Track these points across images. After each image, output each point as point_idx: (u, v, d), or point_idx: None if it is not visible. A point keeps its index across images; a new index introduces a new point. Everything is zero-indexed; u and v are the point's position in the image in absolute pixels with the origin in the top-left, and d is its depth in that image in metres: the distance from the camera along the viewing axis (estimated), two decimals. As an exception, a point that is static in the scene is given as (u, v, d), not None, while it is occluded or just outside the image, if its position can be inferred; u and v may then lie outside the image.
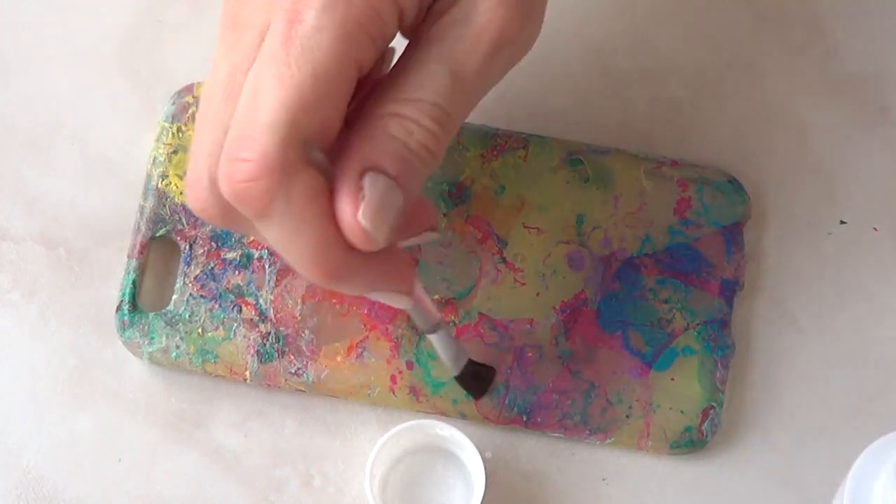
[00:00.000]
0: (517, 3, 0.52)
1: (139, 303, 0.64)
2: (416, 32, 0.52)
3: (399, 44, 0.53)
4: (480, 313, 0.64)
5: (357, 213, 0.49)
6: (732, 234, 0.65)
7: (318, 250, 0.50)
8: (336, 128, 0.50)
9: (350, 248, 0.50)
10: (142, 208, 0.65)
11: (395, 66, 0.52)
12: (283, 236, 0.50)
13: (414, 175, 0.51)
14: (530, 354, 0.63)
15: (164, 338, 0.63)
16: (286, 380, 0.63)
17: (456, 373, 0.61)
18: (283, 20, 0.49)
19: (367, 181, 0.49)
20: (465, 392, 0.63)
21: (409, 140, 0.50)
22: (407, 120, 0.50)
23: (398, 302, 0.54)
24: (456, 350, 0.61)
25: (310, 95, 0.48)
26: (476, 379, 0.62)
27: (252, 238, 0.64)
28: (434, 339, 0.60)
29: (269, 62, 0.49)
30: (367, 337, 0.63)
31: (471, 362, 0.61)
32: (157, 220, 0.65)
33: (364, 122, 0.51)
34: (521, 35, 0.53)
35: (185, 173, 0.55)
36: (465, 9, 0.51)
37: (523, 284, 0.64)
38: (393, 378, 0.63)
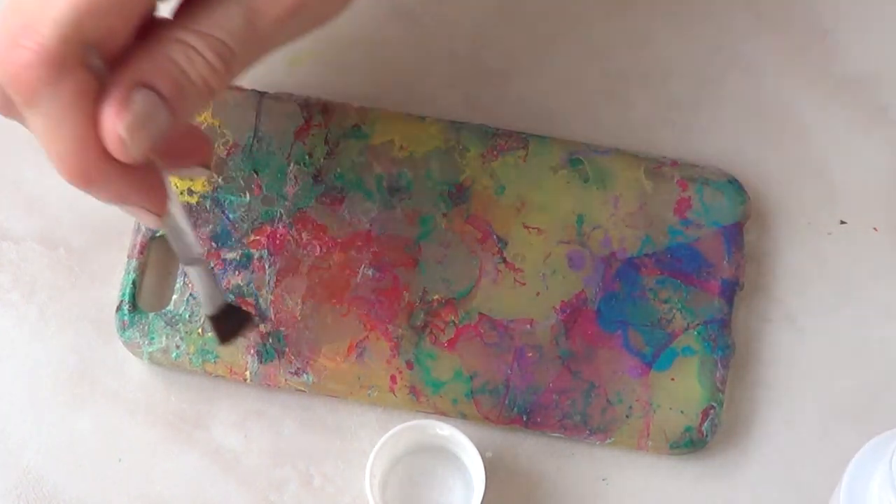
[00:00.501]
0: None
1: (139, 303, 0.64)
2: None
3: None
4: (480, 313, 0.64)
5: (119, 120, 0.50)
6: (732, 234, 0.65)
7: (75, 148, 0.51)
8: (121, 40, 0.51)
9: (106, 154, 0.51)
10: (142, 208, 0.65)
11: None
12: (46, 128, 0.51)
13: (186, 103, 0.52)
14: (530, 354, 0.64)
15: (164, 338, 0.63)
16: (286, 380, 0.63)
17: (208, 312, 0.59)
18: None
19: (137, 94, 0.51)
20: (214, 334, 0.60)
21: (188, 67, 0.52)
22: (191, 49, 0.52)
23: (149, 221, 0.55)
24: (212, 290, 0.59)
25: (100, 0, 0.50)
26: (227, 323, 0.60)
27: (252, 239, 0.64)
28: (191, 273, 0.59)
29: None
30: (367, 337, 0.64)
31: (228, 306, 0.60)
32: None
33: (150, 42, 0.52)
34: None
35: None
36: None
37: (523, 284, 0.64)
38: (393, 378, 0.63)
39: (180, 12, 0.53)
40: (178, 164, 0.58)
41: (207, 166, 0.59)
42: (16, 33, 0.50)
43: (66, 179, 0.52)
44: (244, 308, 0.62)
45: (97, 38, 0.50)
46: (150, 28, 0.53)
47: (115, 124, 0.51)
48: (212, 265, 0.64)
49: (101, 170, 0.52)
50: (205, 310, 0.60)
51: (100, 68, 0.51)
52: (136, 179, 0.53)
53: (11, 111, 0.53)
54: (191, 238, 0.58)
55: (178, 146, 0.57)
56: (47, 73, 0.50)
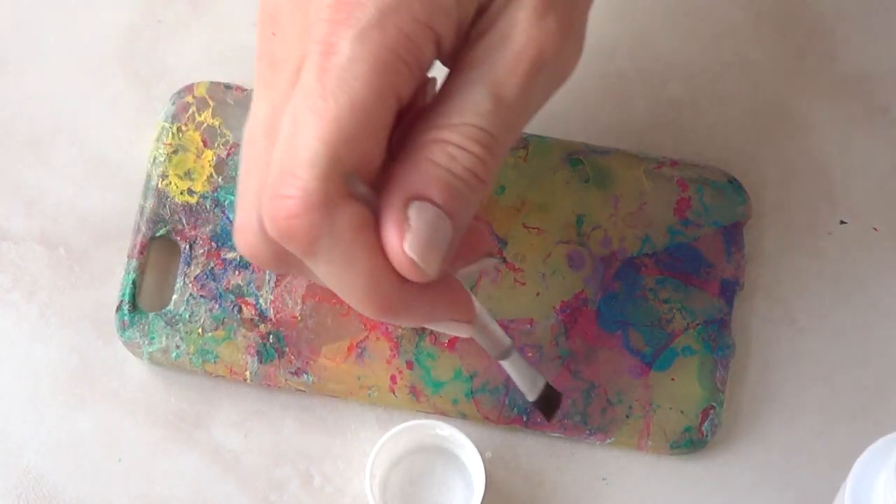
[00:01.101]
0: (556, 21, 0.50)
1: (139, 303, 0.64)
2: (456, 58, 0.50)
3: (441, 73, 0.51)
4: (480, 313, 0.64)
5: (403, 243, 0.48)
6: (732, 234, 0.65)
7: (369, 284, 0.49)
8: (378, 159, 0.49)
9: (402, 280, 0.49)
10: (142, 208, 0.65)
11: (437, 94, 0.51)
12: (333, 272, 0.49)
13: (462, 202, 0.49)
14: (530, 354, 0.64)
15: (164, 338, 0.63)
16: (286, 380, 0.63)
17: (532, 398, 0.58)
18: (318, 53, 0.48)
19: (413, 211, 0.48)
20: (541, 414, 0.60)
21: (453, 166, 0.49)
22: (450, 145, 0.49)
23: (459, 330, 0.53)
24: (531, 374, 0.58)
25: (348, 127, 0.47)
26: (549, 403, 0.59)
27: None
28: (506, 366, 0.57)
29: (306, 96, 0.48)
30: (367, 337, 0.63)
31: (547, 385, 0.58)
32: (157, 220, 0.65)
33: (407, 151, 0.49)
34: (562, 53, 0.51)
35: (233, 220, 0.54)
36: (503, 30, 0.50)
37: (523, 284, 0.64)
38: (393, 378, 0.63)
39: (427, 113, 0.50)
40: (466, 262, 0.54)
41: (493, 254, 0.56)
42: (275, 186, 0.48)
43: (368, 315, 0.50)
44: (552, 386, 0.59)
45: (354, 165, 0.48)
46: (404, 136, 0.50)
47: (401, 248, 0.48)
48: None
49: (402, 298, 0.49)
50: (529, 396, 0.58)
51: (367, 194, 0.48)
52: (438, 295, 0.51)
53: (288, 265, 0.51)
54: (498, 332, 0.56)
55: (462, 247, 0.53)
56: (319, 218, 0.47)
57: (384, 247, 0.48)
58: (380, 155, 0.49)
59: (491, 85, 0.49)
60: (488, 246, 0.55)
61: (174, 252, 0.65)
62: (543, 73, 0.50)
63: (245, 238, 0.51)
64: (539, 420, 0.63)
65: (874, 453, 0.53)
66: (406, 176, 0.49)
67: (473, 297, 0.53)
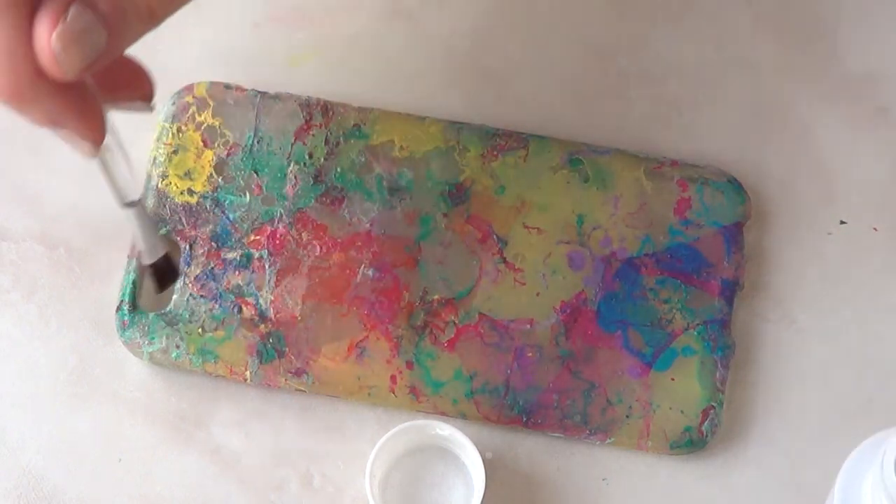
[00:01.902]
0: None
1: (139, 303, 0.64)
2: None
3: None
4: (480, 313, 0.64)
5: (52, 33, 0.49)
6: (732, 234, 0.65)
7: (5, 61, 0.50)
8: None
9: (39, 71, 0.50)
10: (142, 208, 0.65)
11: None
12: None
13: (124, 23, 0.51)
14: (530, 354, 0.64)
15: (164, 338, 0.63)
16: (286, 380, 0.63)
17: (147, 261, 0.59)
18: None
19: (73, 8, 0.49)
20: (153, 281, 0.60)
21: None
22: None
23: (84, 149, 0.54)
24: (151, 236, 0.59)
25: None
26: (163, 274, 0.60)
27: (252, 239, 0.64)
28: (128, 217, 0.58)
29: None
30: (367, 337, 0.64)
31: (167, 256, 0.60)
32: (157, 220, 0.65)
33: None
34: None
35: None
36: None
37: (523, 284, 0.64)
38: (393, 378, 0.63)
39: None
40: (119, 97, 0.56)
41: (148, 101, 0.57)
42: None
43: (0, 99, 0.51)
44: (172, 260, 0.61)
45: None
46: None
47: (47, 37, 0.49)
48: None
49: (35, 88, 0.50)
50: (144, 258, 0.59)
51: None
52: (70, 101, 0.52)
53: None
54: (128, 179, 0.56)
55: (118, 77, 0.56)
56: None
57: (33, 30, 0.49)
58: None
59: None
60: (146, 91, 0.56)
61: (174, 252, 0.65)
62: None
63: None
64: (539, 420, 0.63)
65: (862, 453, 0.53)
66: None
67: (113, 135, 0.54)
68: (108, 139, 0.54)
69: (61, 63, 0.50)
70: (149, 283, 0.62)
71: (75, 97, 0.52)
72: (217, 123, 0.66)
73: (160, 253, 0.59)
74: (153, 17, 0.52)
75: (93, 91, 0.53)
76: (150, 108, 0.58)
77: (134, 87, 0.56)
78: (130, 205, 0.57)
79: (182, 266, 0.64)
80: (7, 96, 0.51)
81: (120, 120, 0.67)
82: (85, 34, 0.50)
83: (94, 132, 0.53)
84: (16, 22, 0.49)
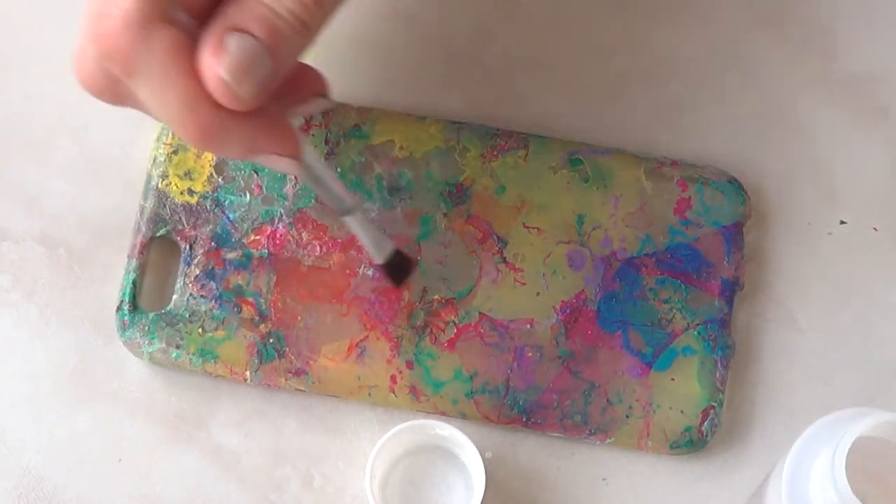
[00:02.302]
0: None
1: (139, 303, 0.64)
2: None
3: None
4: (481, 313, 0.64)
5: (218, 66, 0.50)
6: (732, 234, 0.65)
7: (187, 106, 0.51)
8: None
9: (219, 106, 0.51)
10: (142, 208, 0.65)
11: None
12: (153, 94, 0.51)
13: (283, 41, 0.52)
14: (530, 354, 0.64)
15: (164, 338, 0.63)
16: (286, 380, 0.63)
17: (379, 260, 0.60)
18: None
19: (231, 39, 0.51)
20: (388, 279, 0.62)
21: (277, 6, 0.52)
22: None
23: (285, 166, 0.55)
24: (377, 237, 0.60)
25: None
26: (398, 269, 0.62)
27: (252, 239, 0.64)
28: (350, 223, 0.59)
29: None
30: (367, 337, 0.64)
31: (397, 252, 0.61)
32: (157, 220, 0.65)
33: None
34: None
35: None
36: None
37: (523, 284, 0.64)
38: (393, 378, 0.63)
39: None
40: (297, 101, 0.57)
41: (325, 95, 0.58)
42: (100, 5, 0.50)
43: (189, 143, 0.52)
44: (406, 252, 0.62)
45: None
46: None
47: (215, 71, 0.50)
48: (370, 213, 0.64)
49: (221, 124, 0.52)
50: (375, 259, 0.60)
51: (188, 23, 0.51)
52: (258, 126, 0.53)
53: (120, 95, 0.53)
54: (338, 186, 0.57)
55: (289, 85, 0.56)
56: (135, 35, 0.50)
57: (199, 68, 0.51)
58: None
59: None
60: (321, 87, 0.57)
61: (174, 252, 0.65)
62: None
63: (81, 64, 0.53)
64: (539, 420, 0.63)
65: (815, 433, 0.53)
66: (230, 10, 0.51)
67: (310, 148, 0.55)
68: (309, 154, 0.55)
69: (237, 94, 0.51)
70: (389, 280, 0.62)
71: (262, 121, 0.53)
72: (217, 123, 0.66)
73: (389, 250, 0.60)
74: (308, 30, 0.53)
75: (278, 110, 0.54)
76: (331, 103, 0.58)
77: (308, 86, 0.57)
78: (349, 211, 0.58)
79: (182, 266, 0.64)
80: (197, 138, 0.52)
81: (119, 120, 0.67)
82: (251, 61, 0.51)
83: (291, 146, 0.54)
84: (182, 66, 0.51)
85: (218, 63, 0.50)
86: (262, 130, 0.53)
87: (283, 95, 0.54)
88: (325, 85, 0.57)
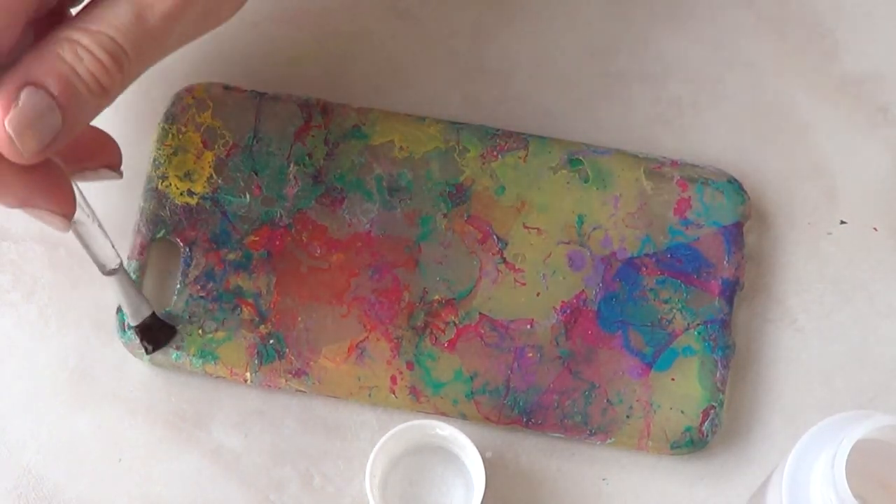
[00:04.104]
0: None
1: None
2: None
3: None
4: (481, 313, 0.64)
5: (5, 118, 0.50)
6: (732, 234, 0.65)
7: None
8: (7, 41, 0.51)
9: (1, 157, 0.51)
10: (142, 209, 0.65)
11: (88, 2, 0.53)
12: None
13: (78, 101, 0.52)
14: (530, 355, 0.64)
15: (164, 339, 0.64)
16: (286, 381, 0.63)
17: (134, 323, 0.62)
18: None
19: (24, 93, 0.51)
20: (141, 342, 0.63)
21: (77, 64, 0.52)
22: (79, 46, 0.52)
23: (57, 224, 0.55)
24: (136, 300, 0.62)
25: None
26: (152, 333, 0.63)
27: (252, 239, 0.64)
28: (112, 285, 0.61)
29: None
30: (367, 338, 0.64)
31: (153, 316, 0.62)
32: (157, 221, 0.65)
33: (41, 43, 0.52)
34: None
35: None
36: None
37: (523, 284, 0.64)
38: (393, 378, 0.63)
39: (73, 19, 0.53)
40: (86, 167, 0.58)
41: (115, 169, 0.59)
42: None
43: None
44: (161, 318, 0.63)
45: None
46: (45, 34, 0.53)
47: (1, 123, 0.51)
48: (131, 275, 0.64)
49: None
50: (130, 320, 0.62)
51: None
52: (36, 181, 0.53)
53: None
54: (106, 247, 0.59)
55: (81, 149, 0.57)
56: None
57: None
58: (10, 39, 0.51)
59: (137, 5, 0.52)
60: (112, 159, 0.58)
61: (174, 253, 0.65)
62: (196, 7, 0.54)
63: None
64: (539, 420, 0.63)
65: (815, 436, 0.53)
66: (30, 63, 0.51)
67: (86, 208, 0.57)
68: (79, 213, 0.56)
69: (18, 148, 0.51)
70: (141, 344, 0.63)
71: (41, 176, 0.53)
72: (217, 124, 0.66)
73: (146, 313, 0.62)
74: (107, 94, 0.53)
75: (59, 167, 0.54)
76: (119, 176, 0.60)
77: (100, 156, 0.58)
78: (112, 272, 0.60)
79: (181, 267, 0.64)
80: None
81: (119, 120, 0.67)
82: (39, 117, 0.51)
83: (65, 206, 0.55)
84: None
85: (5, 115, 0.50)
86: (38, 185, 0.53)
87: (74, 156, 0.56)
88: (119, 157, 0.59)
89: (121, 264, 0.60)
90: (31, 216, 0.55)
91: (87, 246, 0.59)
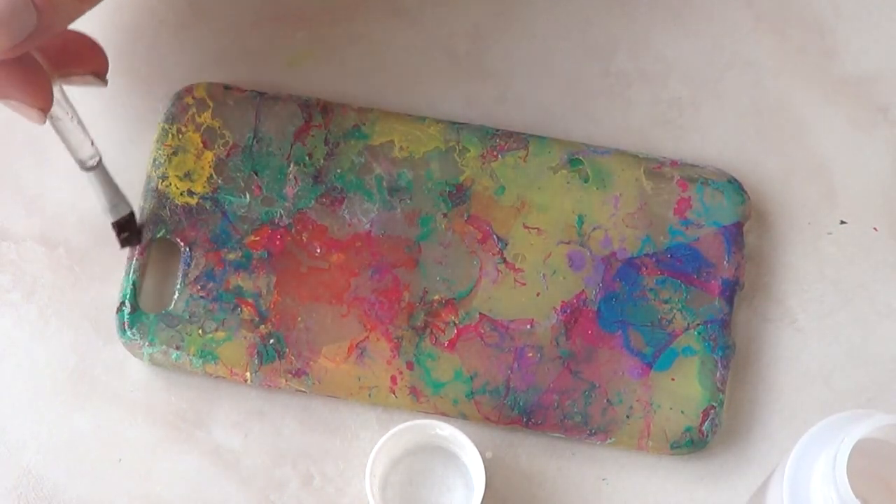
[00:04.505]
0: None
1: (139, 304, 0.64)
2: None
3: None
4: (481, 313, 0.64)
5: None
6: (732, 234, 0.65)
7: None
8: None
9: None
10: (142, 209, 0.65)
11: None
12: None
13: (56, 6, 0.53)
14: (531, 355, 0.64)
15: (164, 339, 0.63)
16: (286, 381, 0.63)
17: (112, 218, 0.63)
18: None
19: None
20: (117, 238, 0.64)
21: None
22: None
23: (31, 117, 0.56)
24: (115, 197, 0.63)
25: None
26: (129, 231, 0.64)
27: (252, 239, 0.64)
28: (91, 180, 0.62)
29: None
30: (367, 337, 0.64)
31: (131, 216, 0.64)
32: (157, 221, 0.65)
33: None
34: None
35: None
36: None
37: (524, 284, 0.64)
38: (393, 378, 0.63)
39: None
40: (72, 72, 0.59)
41: (100, 76, 0.60)
42: None
43: None
44: (136, 221, 0.64)
45: None
46: None
47: None
48: (108, 172, 0.64)
49: None
50: (109, 216, 0.63)
51: None
52: (12, 74, 0.54)
53: None
54: (86, 144, 0.60)
55: (68, 53, 0.58)
56: None
57: None
58: None
59: None
60: (98, 65, 0.60)
61: (174, 253, 0.65)
62: None
63: None
64: (539, 420, 0.63)
65: (815, 436, 0.53)
66: None
67: (66, 103, 0.58)
68: (57, 109, 0.58)
69: None
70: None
71: (16, 70, 0.54)
72: (217, 124, 0.66)
73: (123, 212, 0.63)
74: (84, 0, 0.54)
75: (38, 64, 0.56)
76: (104, 83, 0.61)
77: (86, 62, 0.59)
78: (91, 168, 0.61)
79: (182, 267, 0.64)
80: None
81: (120, 120, 0.67)
82: (11, 12, 0.52)
83: (41, 101, 0.56)
84: None
85: None
86: (14, 79, 0.54)
87: (60, 59, 0.57)
88: (103, 62, 0.60)
89: (100, 161, 0.62)
90: (9, 107, 0.56)
91: (66, 141, 0.60)
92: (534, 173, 0.65)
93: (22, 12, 0.52)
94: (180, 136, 0.65)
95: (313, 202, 0.65)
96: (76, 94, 0.61)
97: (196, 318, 0.64)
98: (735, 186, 0.66)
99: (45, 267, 0.66)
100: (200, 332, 0.63)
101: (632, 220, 0.65)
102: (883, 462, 0.54)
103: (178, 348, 0.63)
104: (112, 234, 0.64)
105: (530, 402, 0.63)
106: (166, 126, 0.65)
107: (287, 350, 0.63)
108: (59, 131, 0.60)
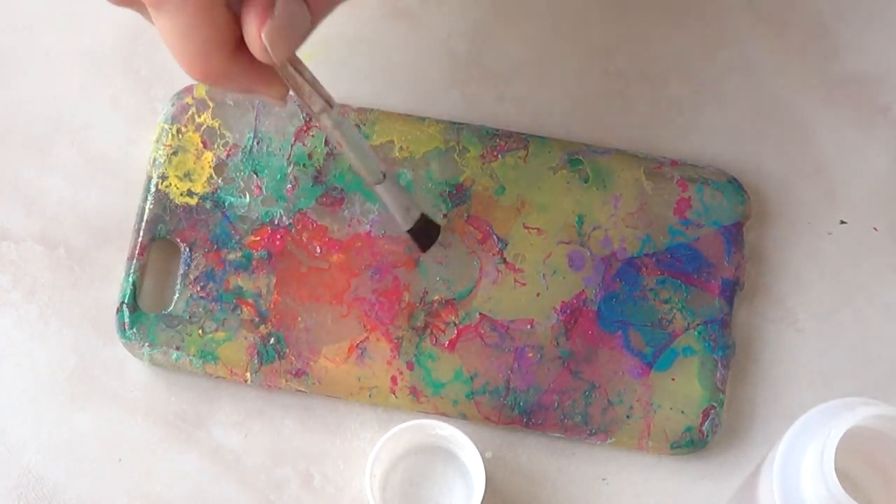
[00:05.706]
0: None
1: (139, 304, 0.64)
2: None
3: None
4: (481, 314, 0.64)
5: (262, 28, 0.51)
6: (732, 234, 0.65)
7: (200, 52, 0.52)
8: None
9: (233, 55, 0.52)
10: (141, 209, 0.65)
11: None
12: (174, 30, 0.51)
13: (326, 4, 0.53)
14: (531, 355, 0.64)
15: (164, 339, 0.63)
16: (286, 381, 0.63)
17: (406, 227, 0.62)
18: None
19: (280, 2, 0.51)
20: (414, 244, 0.63)
21: None
22: None
23: (276, 103, 0.56)
24: (406, 203, 0.61)
25: None
26: (426, 234, 0.63)
27: (252, 240, 0.64)
28: (379, 192, 0.60)
29: None
30: (368, 338, 0.63)
31: (423, 216, 0.62)
32: (156, 221, 0.65)
33: None
34: None
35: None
36: None
37: (524, 285, 0.64)
38: (393, 379, 0.63)
39: None
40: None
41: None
42: None
43: (191, 76, 0.53)
44: (430, 217, 0.63)
45: None
46: None
47: (258, 32, 0.51)
48: (399, 181, 0.64)
49: (227, 71, 0.52)
50: (403, 226, 0.61)
51: None
52: (258, 73, 0.54)
53: (133, 4, 0.53)
54: (374, 159, 0.59)
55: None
56: None
57: (243, 25, 0.51)
58: None
59: None
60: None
61: (174, 253, 0.65)
62: None
63: None
64: (539, 420, 0.63)
65: (806, 424, 0.53)
66: None
67: (348, 124, 0.57)
68: (346, 127, 0.57)
69: (271, 54, 0.52)
70: (413, 245, 0.63)
71: (262, 68, 0.54)
72: (217, 124, 0.66)
73: (416, 216, 0.61)
74: None
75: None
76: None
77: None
78: (379, 181, 0.59)
79: (182, 267, 0.64)
80: (198, 79, 0.53)
81: (120, 120, 0.67)
82: (293, 25, 0.52)
83: (281, 90, 0.55)
84: (213, 15, 0.51)
85: (262, 23, 0.51)
86: (260, 77, 0.54)
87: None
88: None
89: (385, 171, 0.60)
90: (246, 94, 0.56)
91: (355, 156, 0.59)
92: (534, 173, 0.65)
93: (300, 19, 0.52)
94: (180, 136, 0.65)
95: (313, 202, 0.65)
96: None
97: (196, 318, 0.64)
98: (735, 186, 0.66)
99: (45, 267, 0.66)
100: (200, 332, 0.64)
101: (632, 220, 0.65)
102: (873, 446, 0.53)
103: (178, 348, 0.63)
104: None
105: (530, 402, 0.63)
106: (166, 126, 0.66)
107: (287, 350, 0.63)
108: (348, 145, 0.58)
